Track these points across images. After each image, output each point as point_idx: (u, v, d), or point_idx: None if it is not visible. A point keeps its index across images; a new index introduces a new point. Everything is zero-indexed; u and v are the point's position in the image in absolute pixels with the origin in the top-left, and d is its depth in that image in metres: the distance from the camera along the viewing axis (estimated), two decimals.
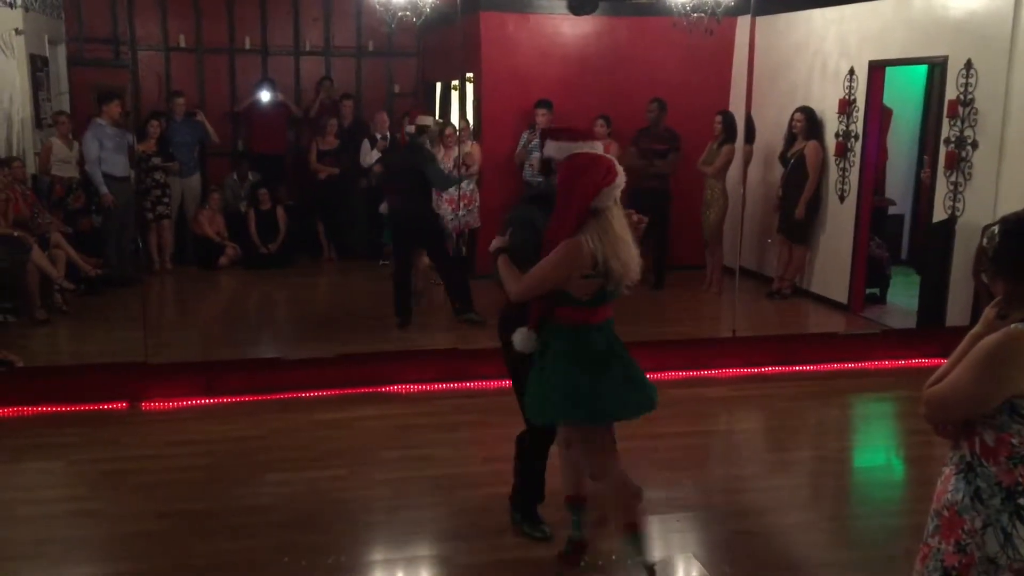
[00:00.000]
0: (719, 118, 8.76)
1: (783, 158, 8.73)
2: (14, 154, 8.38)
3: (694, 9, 7.88)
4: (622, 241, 3.76)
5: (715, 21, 7.94)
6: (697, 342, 7.29)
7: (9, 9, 8.42)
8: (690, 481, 5.07)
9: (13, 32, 8.42)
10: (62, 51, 9.82)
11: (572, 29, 9.42)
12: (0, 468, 5.24)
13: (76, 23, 10.28)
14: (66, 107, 9.54)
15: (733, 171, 8.80)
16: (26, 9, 8.64)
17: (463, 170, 8.72)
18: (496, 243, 3.93)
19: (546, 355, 3.83)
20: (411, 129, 7.93)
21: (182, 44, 10.90)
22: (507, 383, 4.26)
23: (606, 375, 3.81)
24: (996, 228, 2.53)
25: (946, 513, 2.56)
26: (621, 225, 3.78)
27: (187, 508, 4.63)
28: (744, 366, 6.93)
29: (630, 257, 3.80)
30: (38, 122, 8.97)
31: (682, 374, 6.79)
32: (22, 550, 4.23)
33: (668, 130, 9.07)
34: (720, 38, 8.73)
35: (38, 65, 8.98)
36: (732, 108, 9.10)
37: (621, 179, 3.74)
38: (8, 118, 8.50)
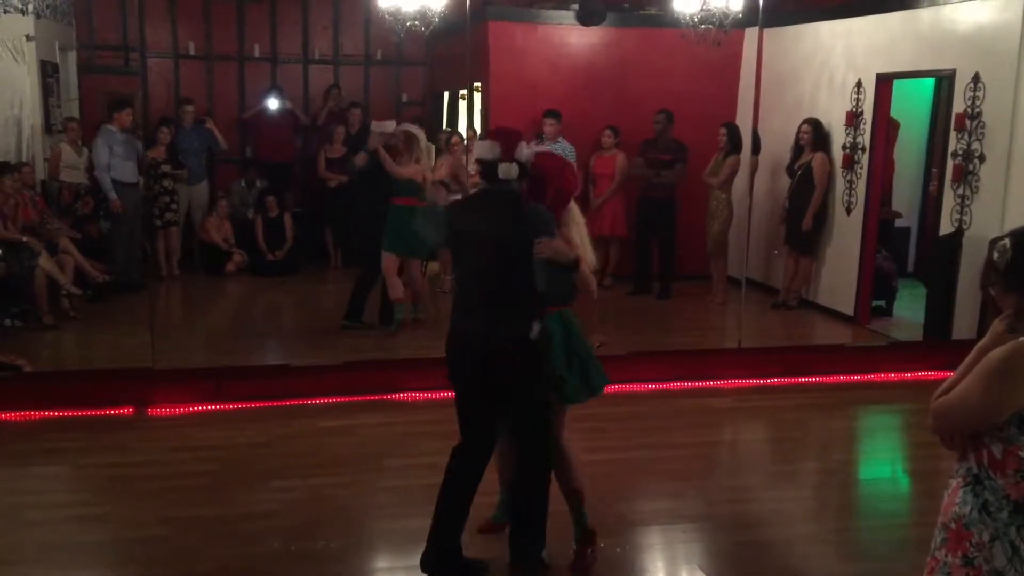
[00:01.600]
0: (723, 130, 8.79)
1: (790, 170, 8.74)
2: (23, 159, 8.42)
3: (702, 21, 7.90)
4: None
5: (723, 33, 7.96)
6: (703, 353, 7.28)
7: (20, 15, 8.47)
8: (695, 492, 5.06)
9: (24, 38, 8.47)
10: (72, 57, 9.87)
11: (580, 39, 9.44)
12: (6, 472, 5.26)
13: (87, 30, 10.33)
14: (76, 113, 9.58)
15: (738, 182, 8.81)
16: (37, 16, 8.69)
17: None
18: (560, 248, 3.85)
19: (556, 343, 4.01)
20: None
21: (192, 51, 10.95)
22: None
23: (573, 359, 4.12)
24: (1007, 242, 2.51)
25: (953, 526, 2.55)
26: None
27: (193, 514, 4.64)
28: (750, 377, 6.92)
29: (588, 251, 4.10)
30: (48, 128, 9.01)
31: (688, 384, 6.78)
32: (28, 555, 4.24)
33: (674, 141, 9.08)
34: (728, 50, 8.75)
35: (48, 71, 9.02)
36: (739, 119, 9.12)
37: None
38: (18, 124, 8.54)
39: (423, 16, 7.98)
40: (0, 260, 7.30)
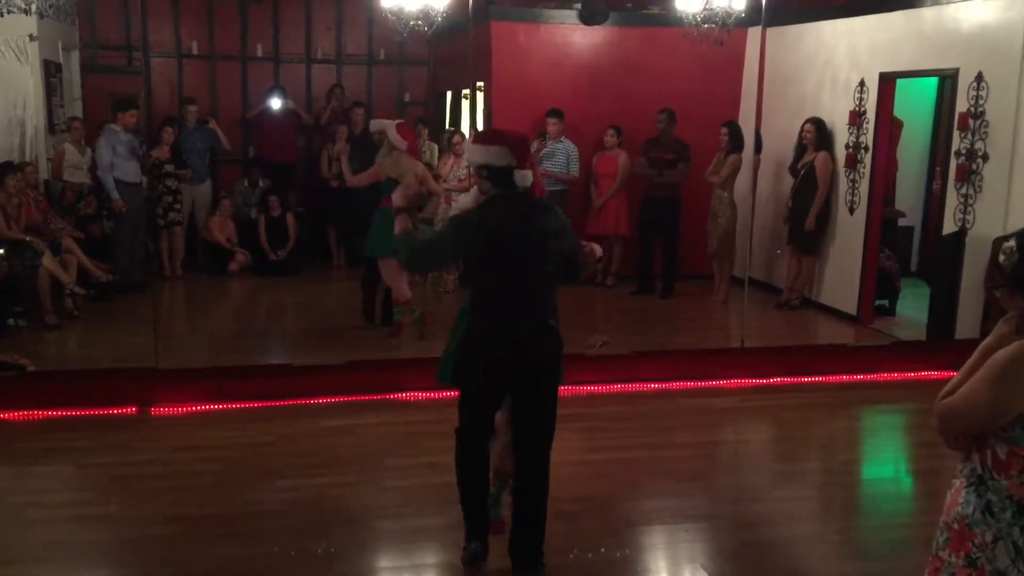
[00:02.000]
0: (724, 129, 8.79)
1: (793, 169, 8.73)
2: (27, 159, 8.44)
3: (705, 20, 7.88)
4: None
5: (726, 32, 7.95)
6: (706, 352, 7.27)
7: (24, 15, 8.50)
8: (698, 491, 5.06)
9: (27, 38, 8.49)
10: (75, 57, 9.90)
11: (583, 39, 9.45)
12: (10, 472, 5.27)
13: (90, 30, 10.36)
14: (79, 113, 9.62)
15: (741, 181, 8.81)
16: (40, 15, 8.71)
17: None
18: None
19: None
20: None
21: (195, 51, 10.96)
22: None
23: None
24: (1013, 244, 2.49)
25: (956, 526, 2.55)
26: None
27: (196, 513, 4.64)
28: (753, 377, 6.91)
29: None
30: (51, 127, 9.04)
31: (690, 384, 6.77)
32: (31, 554, 4.24)
33: (677, 140, 9.08)
34: (731, 49, 8.75)
35: (52, 71, 9.04)
36: (742, 119, 9.12)
37: None
38: (21, 123, 8.57)
39: (426, 16, 7.98)
40: (3, 260, 7.31)
